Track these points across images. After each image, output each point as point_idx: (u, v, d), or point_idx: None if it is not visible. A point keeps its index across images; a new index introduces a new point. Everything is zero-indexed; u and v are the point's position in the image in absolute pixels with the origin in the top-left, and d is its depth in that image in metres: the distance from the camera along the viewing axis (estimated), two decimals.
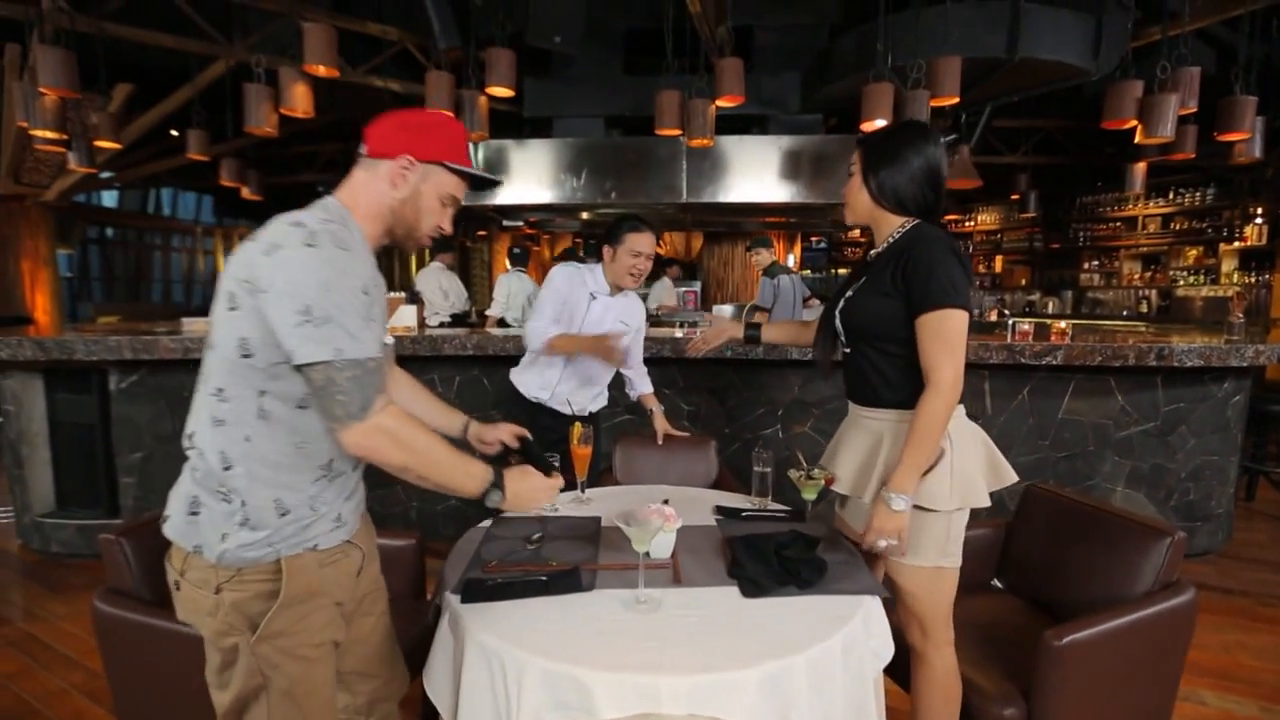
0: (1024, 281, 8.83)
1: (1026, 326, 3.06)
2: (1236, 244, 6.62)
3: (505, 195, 5.22)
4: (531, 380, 2.28)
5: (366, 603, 1.24)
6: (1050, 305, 8.20)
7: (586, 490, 1.83)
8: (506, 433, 1.44)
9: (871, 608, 1.26)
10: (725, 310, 7.07)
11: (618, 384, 3.24)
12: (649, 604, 1.21)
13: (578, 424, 1.76)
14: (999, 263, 9.10)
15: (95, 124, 4.12)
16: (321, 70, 3.17)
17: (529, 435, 1.45)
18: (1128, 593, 1.47)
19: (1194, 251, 7.13)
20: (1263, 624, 2.59)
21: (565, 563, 1.35)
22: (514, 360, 2.44)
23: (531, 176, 5.18)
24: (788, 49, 4.89)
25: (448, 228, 1.19)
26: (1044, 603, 1.73)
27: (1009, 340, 2.95)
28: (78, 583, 2.92)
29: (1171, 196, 7.15)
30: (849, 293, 1.49)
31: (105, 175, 7.39)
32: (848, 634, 1.15)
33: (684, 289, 7.34)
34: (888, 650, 1.29)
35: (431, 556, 1.98)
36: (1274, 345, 2.87)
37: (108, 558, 1.43)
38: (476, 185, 1.22)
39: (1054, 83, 4.17)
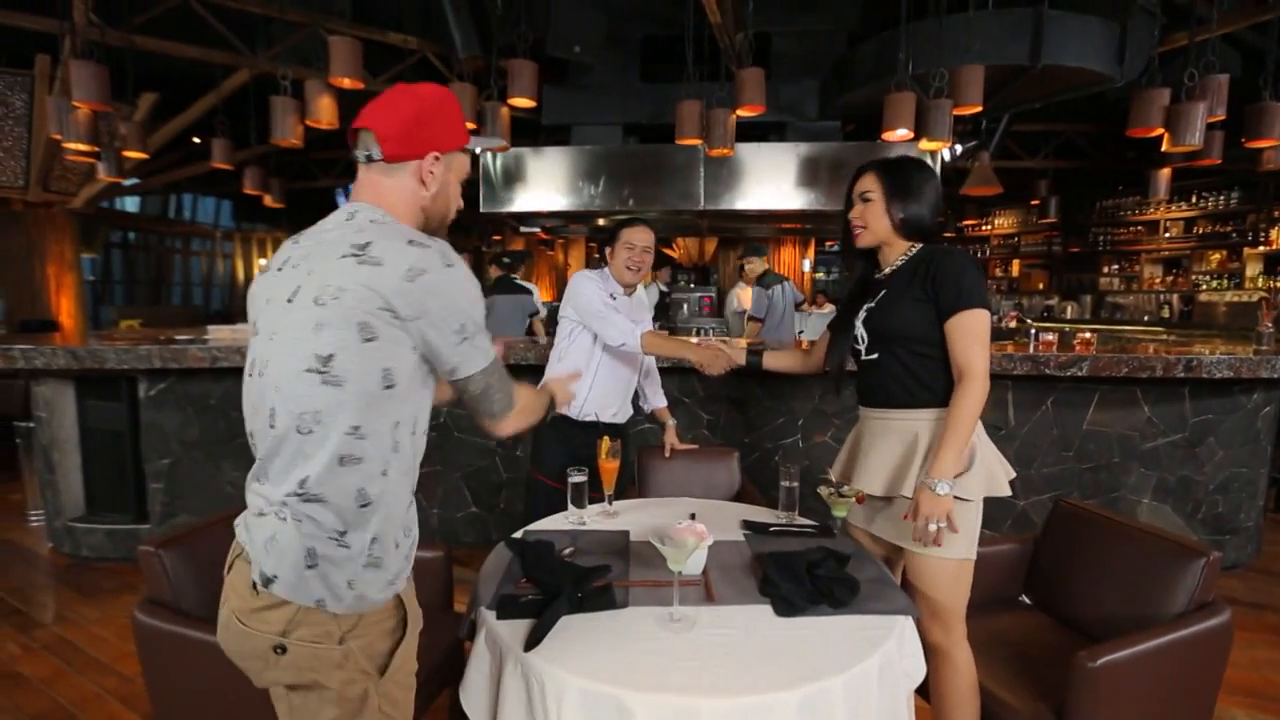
0: (1041, 286, 8.74)
1: (1050, 336, 3.03)
2: (1261, 248, 6.51)
3: (524, 202, 5.26)
4: None
5: None
6: (1069, 310, 8.10)
7: (614, 503, 1.84)
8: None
9: (905, 628, 1.26)
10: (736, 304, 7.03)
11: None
12: (684, 622, 1.22)
13: (605, 438, 1.77)
14: (1016, 267, 9.02)
15: (124, 134, 4.20)
16: (346, 83, 3.21)
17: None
18: (1161, 613, 1.46)
19: (1217, 255, 7.02)
20: None
21: (600, 578, 1.35)
22: (535, 369, 2.46)
23: (550, 183, 5.21)
24: (805, 55, 4.88)
25: (461, 204, 1.19)
26: (1073, 620, 1.72)
27: (1032, 350, 2.92)
28: (108, 586, 2.97)
29: (1194, 200, 7.05)
30: (870, 305, 1.58)
31: (130, 182, 7.53)
32: (883, 655, 1.15)
33: (700, 294, 7.34)
34: (920, 670, 1.29)
35: (454, 565, 1.99)
36: None
37: (147, 569, 1.46)
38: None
39: (1077, 90, 4.13)
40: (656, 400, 2.51)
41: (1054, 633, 1.70)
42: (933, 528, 1.40)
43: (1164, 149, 3.35)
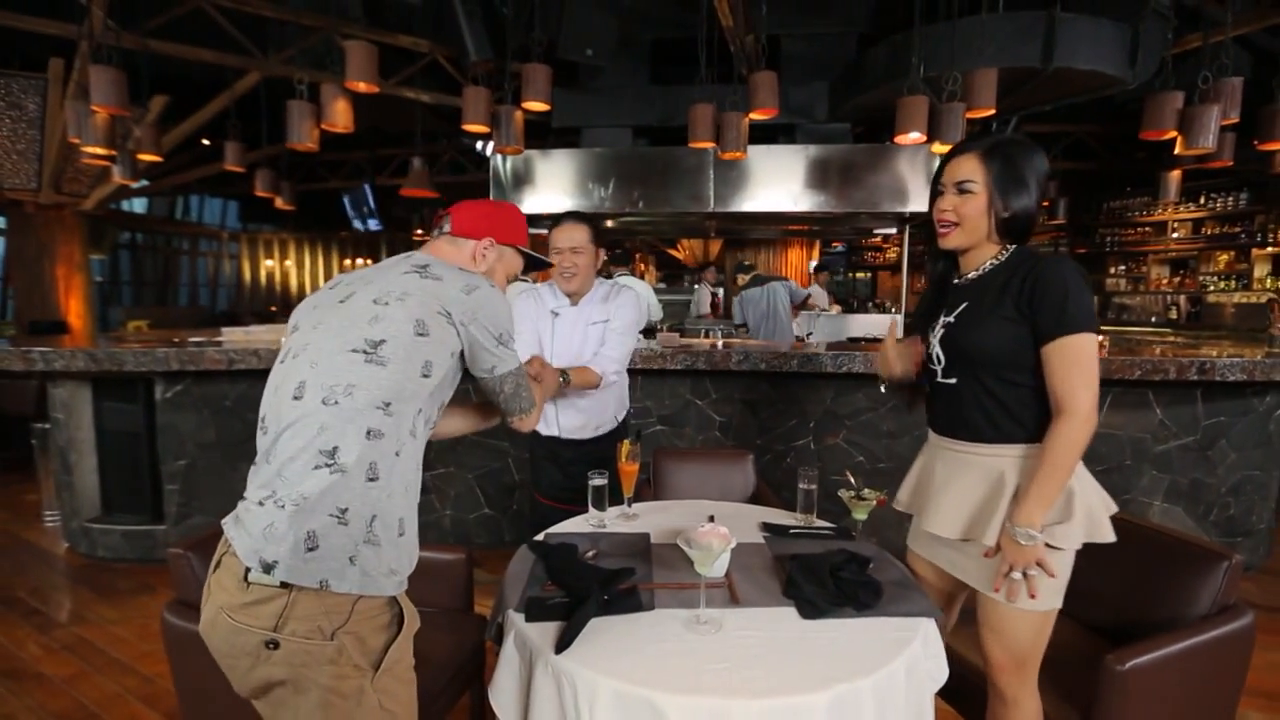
0: None
1: None
2: (1270, 249, 6.50)
3: (533, 204, 5.27)
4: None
5: None
6: None
7: (632, 505, 1.86)
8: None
9: (929, 630, 1.27)
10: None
11: (646, 394, 3.27)
12: (710, 624, 1.23)
13: (626, 441, 1.78)
14: None
15: (138, 137, 4.23)
16: (362, 87, 3.24)
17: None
18: (1183, 616, 1.47)
19: (1225, 256, 7.01)
20: None
21: (626, 580, 1.37)
22: None
23: (560, 185, 5.23)
24: (816, 58, 4.89)
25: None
26: (1093, 623, 1.72)
27: None
28: (125, 587, 3.00)
29: (1203, 200, 7.04)
30: (947, 319, 1.36)
31: (139, 184, 7.58)
32: (909, 656, 1.16)
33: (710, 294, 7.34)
34: (942, 672, 1.30)
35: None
36: None
37: (176, 571, 1.48)
38: (532, 265, 1.45)
39: (1089, 92, 4.13)
40: (595, 362, 2.08)
41: (1074, 635, 1.70)
42: (1016, 575, 1.25)
43: (1177, 152, 3.35)
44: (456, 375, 1.20)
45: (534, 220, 5.99)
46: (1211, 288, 7.02)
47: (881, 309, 7.71)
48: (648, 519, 1.81)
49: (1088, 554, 1.79)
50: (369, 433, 1.03)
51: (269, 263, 12.90)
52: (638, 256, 9.94)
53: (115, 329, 9.26)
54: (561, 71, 4.83)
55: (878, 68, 4.28)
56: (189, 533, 2.95)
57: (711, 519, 1.63)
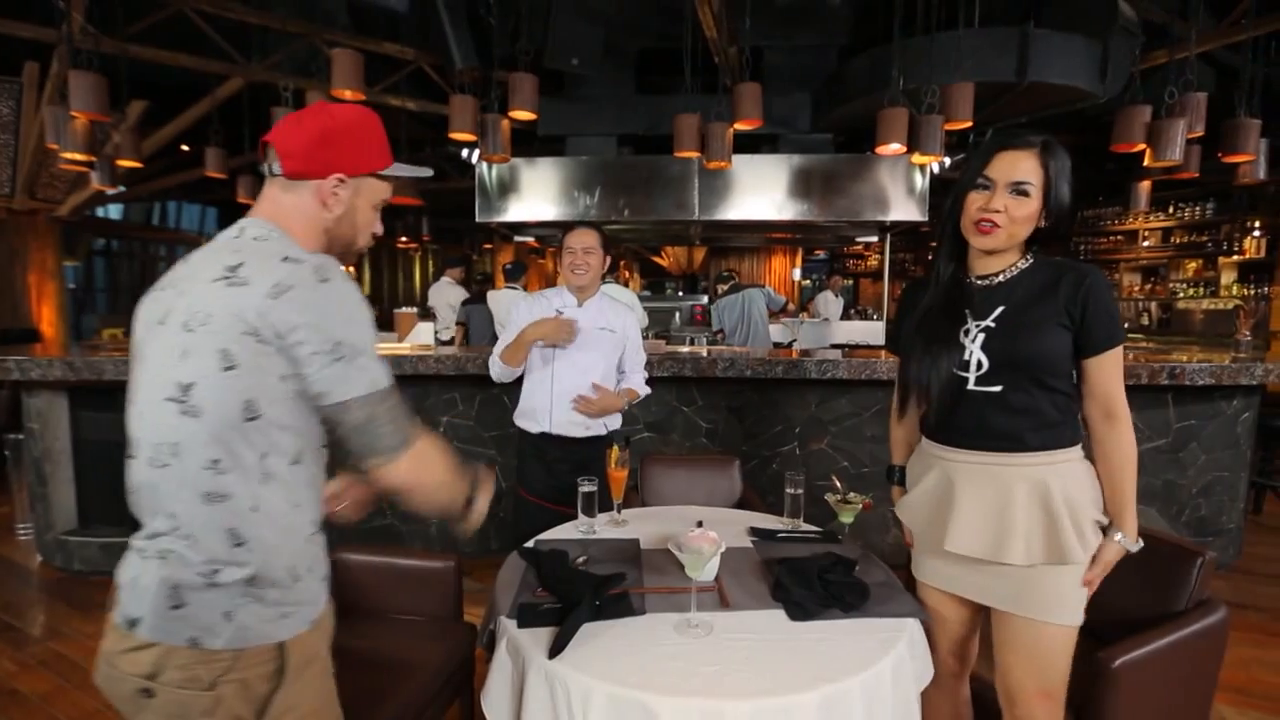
0: None
1: None
2: (1235, 257, 6.71)
3: (518, 211, 5.29)
4: (527, 416, 2.25)
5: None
6: None
7: (621, 511, 1.87)
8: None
9: (913, 630, 1.30)
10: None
11: (645, 402, 3.28)
12: (701, 628, 1.25)
13: (615, 447, 1.80)
14: None
15: (117, 143, 4.17)
16: (348, 94, 3.24)
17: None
18: (1162, 612, 1.51)
19: (1193, 264, 7.22)
20: (1277, 639, 2.63)
21: (617, 586, 1.38)
22: None
23: (545, 193, 5.24)
24: (798, 69, 4.97)
25: (380, 230, 1.12)
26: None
27: None
28: (102, 600, 2.91)
29: (1171, 210, 7.25)
30: (985, 323, 1.28)
31: (115, 190, 7.46)
32: (895, 656, 1.19)
33: (691, 303, 7.39)
34: (928, 673, 1.33)
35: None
36: None
37: None
38: (401, 184, 1.18)
39: (1062, 106, 4.26)
40: (627, 382, 2.33)
41: None
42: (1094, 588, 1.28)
43: (1146, 164, 3.47)
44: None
45: (522, 228, 6.01)
46: (1181, 295, 7.22)
47: (864, 316, 7.82)
48: (637, 525, 1.82)
49: None
50: (207, 496, 0.88)
51: None
52: (622, 264, 9.98)
53: (89, 337, 9.07)
54: (547, 80, 4.86)
55: (858, 80, 4.37)
56: None
57: (700, 524, 1.65)
